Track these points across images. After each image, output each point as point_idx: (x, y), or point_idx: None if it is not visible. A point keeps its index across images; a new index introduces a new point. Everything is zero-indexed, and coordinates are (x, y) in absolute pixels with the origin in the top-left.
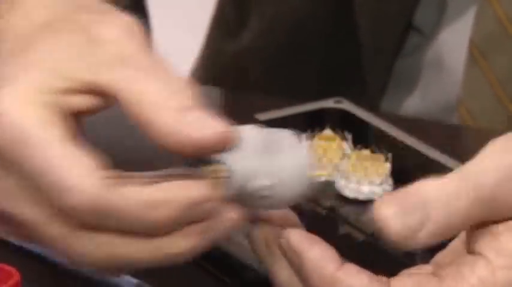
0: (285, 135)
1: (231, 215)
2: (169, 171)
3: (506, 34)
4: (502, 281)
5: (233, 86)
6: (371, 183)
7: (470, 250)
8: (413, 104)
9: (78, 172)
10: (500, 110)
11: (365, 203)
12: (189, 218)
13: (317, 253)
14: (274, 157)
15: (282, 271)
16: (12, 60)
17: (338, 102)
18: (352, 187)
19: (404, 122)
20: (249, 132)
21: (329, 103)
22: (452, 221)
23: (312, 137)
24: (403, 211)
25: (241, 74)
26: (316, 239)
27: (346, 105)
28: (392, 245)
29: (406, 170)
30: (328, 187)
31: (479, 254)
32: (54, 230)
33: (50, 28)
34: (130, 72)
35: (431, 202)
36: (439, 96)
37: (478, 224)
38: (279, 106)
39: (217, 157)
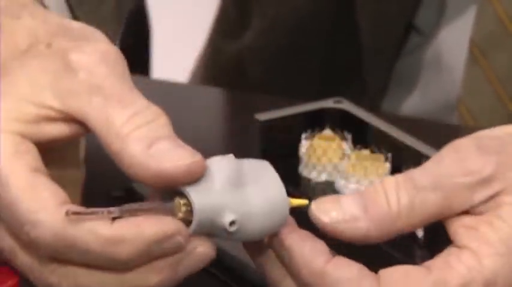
0: (257, 166)
1: (201, 249)
2: (136, 205)
3: (507, 33)
4: (488, 268)
5: (233, 85)
6: (371, 183)
7: (454, 245)
8: (413, 104)
9: (42, 206)
10: (500, 108)
11: None
12: (155, 253)
13: (306, 247)
14: (243, 190)
15: (274, 271)
16: None
17: (338, 102)
18: (352, 187)
19: (404, 122)
20: (218, 164)
21: (329, 103)
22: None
23: (311, 137)
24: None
25: (242, 74)
26: (306, 233)
27: (346, 106)
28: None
29: (406, 170)
30: (328, 187)
31: (464, 246)
32: (26, 259)
33: (29, 54)
34: (99, 101)
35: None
36: (439, 96)
37: (455, 220)
38: (279, 106)
39: (185, 190)
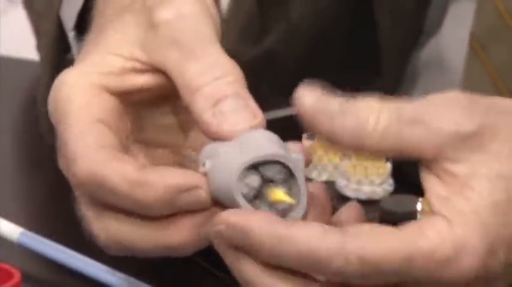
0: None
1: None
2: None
3: (507, 27)
4: (460, 235)
5: (251, 89)
6: (372, 183)
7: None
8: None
9: (86, 144)
10: None
11: (366, 204)
12: (179, 203)
13: (260, 220)
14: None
15: (245, 265)
16: (88, 43)
17: None
18: (353, 187)
19: None
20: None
21: None
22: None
23: (312, 137)
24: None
25: (261, 78)
26: (252, 211)
27: None
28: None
29: (407, 170)
30: (328, 187)
31: (437, 213)
32: (79, 207)
33: (128, 8)
34: (176, 55)
35: None
36: (440, 92)
37: (428, 189)
38: (280, 106)
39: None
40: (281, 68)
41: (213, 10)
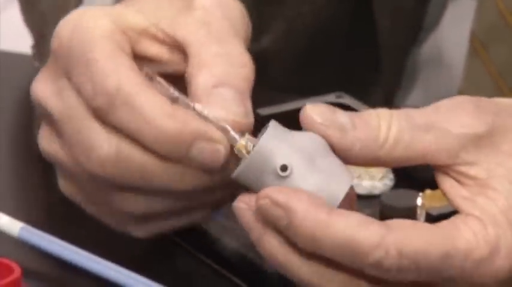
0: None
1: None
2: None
3: (507, 25)
4: (493, 235)
5: None
6: (372, 178)
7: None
8: (414, 98)
9: (120, 63)
10: None
11: (366, 198)
12: (195, 153)
13: (305, 202)
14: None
15: (271, 241)
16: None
17: (339, 97)
18: (354, 183)
19: None
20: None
21: (330, 98)
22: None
23: None
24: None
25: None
26: (298, 189)
27: (347, 100)
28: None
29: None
30: None
31: (469, 214)
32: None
33: None
34: (203, 33)
35: None
36: (440, 90)
37: (452, 191)
38: (281, 101)
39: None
40: (279, 66)
41: (244, 10)
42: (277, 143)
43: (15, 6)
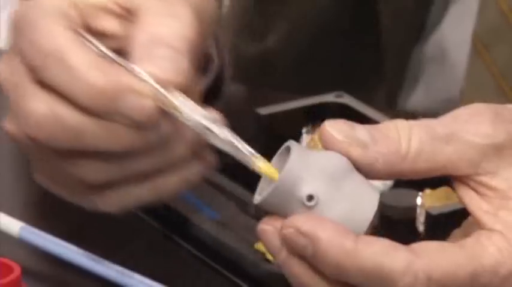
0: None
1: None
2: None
3: (509, 26)
4: None
5: (254, 86)
6: None
7: (481, 229)
8: (416, 98)
9: (56, 22)
10: (503, 101)
11: None
12: (121, 104)
13: (330, 231)
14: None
15: (296, 266)
16: None
17: (339, 96)
18: None
19: (406, 116)
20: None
21: (330, 97)
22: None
23: (312, 131)
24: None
25: (264, 75)
26: (323, 218)
27: (347, 100)
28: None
29: None
30: None
31: (492, 229)
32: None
33: None
34: (156, 1)
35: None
36: (442, 90)
37: (472, 203)
38: (280, 100)
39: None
40: (281, 66)
41: None
42: (302, 169)
43: (15, 6)
